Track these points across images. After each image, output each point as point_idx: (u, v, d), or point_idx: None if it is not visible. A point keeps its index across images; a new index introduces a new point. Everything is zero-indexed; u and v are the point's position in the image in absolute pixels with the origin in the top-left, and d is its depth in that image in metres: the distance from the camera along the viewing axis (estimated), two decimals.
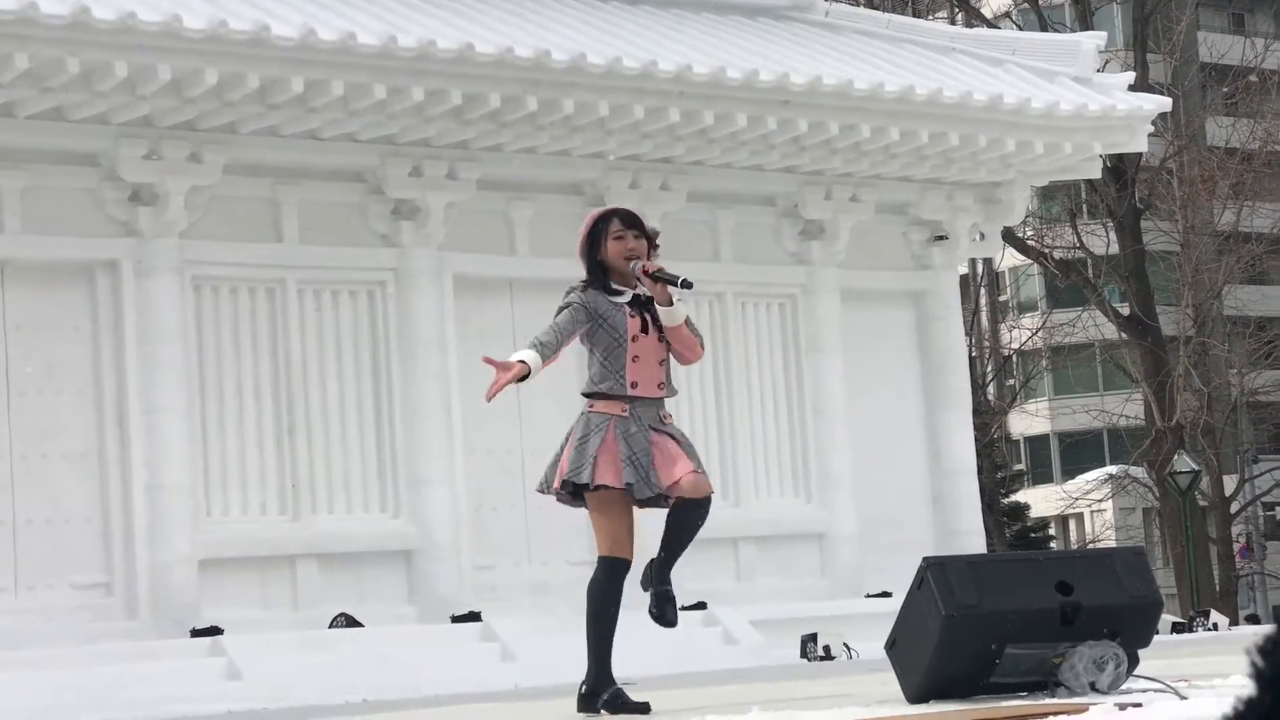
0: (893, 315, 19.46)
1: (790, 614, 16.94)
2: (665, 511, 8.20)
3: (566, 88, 15.95)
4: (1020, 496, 45.69)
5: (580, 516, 18.39)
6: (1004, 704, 6.91)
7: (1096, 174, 20.88)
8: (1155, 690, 6.91)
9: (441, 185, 16.60)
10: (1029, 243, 38.62)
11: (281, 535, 15.84)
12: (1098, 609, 7.33)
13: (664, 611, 8.08)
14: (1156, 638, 8.03)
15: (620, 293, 8.07)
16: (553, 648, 15.34)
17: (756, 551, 17.90)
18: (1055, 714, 6.17)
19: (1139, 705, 6.26)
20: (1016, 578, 7.43)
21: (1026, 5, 38.32)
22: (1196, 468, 33.83)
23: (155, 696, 13.48)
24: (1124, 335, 37.48)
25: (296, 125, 15.61)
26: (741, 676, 12.26)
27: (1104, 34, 21.06)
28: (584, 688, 8.06)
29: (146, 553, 15.16)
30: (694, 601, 16.81)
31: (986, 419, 37.77)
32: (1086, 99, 18.86)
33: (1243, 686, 1.50)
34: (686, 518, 8.09)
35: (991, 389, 42.24)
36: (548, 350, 7.91)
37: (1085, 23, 35.94)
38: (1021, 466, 53.92)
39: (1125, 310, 36.50)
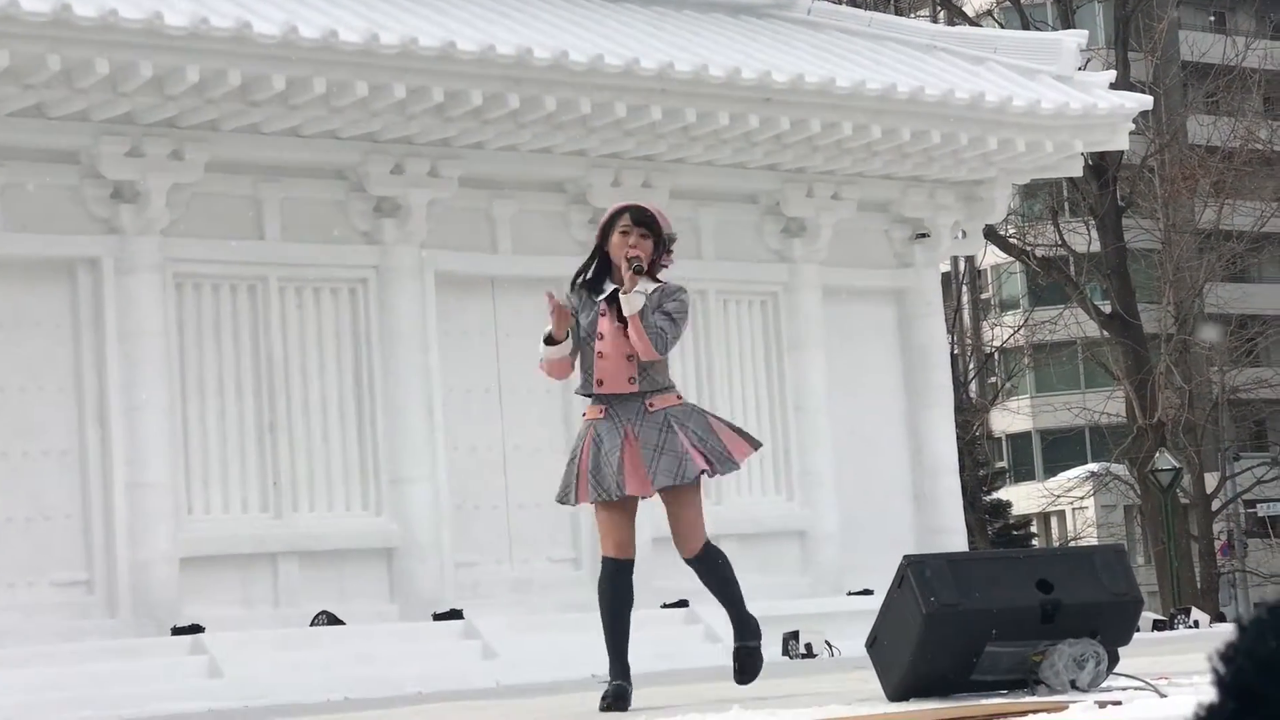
0: (874, 313, 19.48)
1: (772, 611, 16.88)
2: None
3: (548, 85, 15.95)
4: (1002, 494, 45.74)
5: (561, 514, 18.46)
6: (984, 702, 6.92)
7: (1078, 172, 20.91)
8: (1135, 688, 6.92)
9: (423, 183, 16.59)
10: (1011, 240, 38.68)
11: (263, 533, 15.82)
12: (1078, 607, 7.34)
13: (740, 666, 8.20)
14: (1137, 635, 8.04)
15: (604, 290, 8.04)
16: (534, 645, 15.36)
17: (738, 549, 17.86)
18: (1035, 712, 6.18)
19: (1119, 703, 6.27)
20: (997, 576, 7.44)
21: (1008, 3, 38.39)
22: (1178, 465, 33.89)
23: (136, 695, 13.45)
24: (1105, 333, 37.55)
25: (278, 123, 15.60)
26: (723, 674, 12.26)
27: (1085, 32, 21.10)
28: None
29: (127, 550, 15.14)
30: (675, 599, 16.83)
31: (968, 416, 37.82)
32: (1068, 97, 18.89)
33: (1207, 691, 1.50)
34: (701, 577, 8.30)
35: (973, 387, 42.30)
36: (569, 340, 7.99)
37: (1067, 21, 36.00)
38: (1003, 464, 53.96)
39: (1107, 308, 36.57)
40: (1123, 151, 28.27)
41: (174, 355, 15.65)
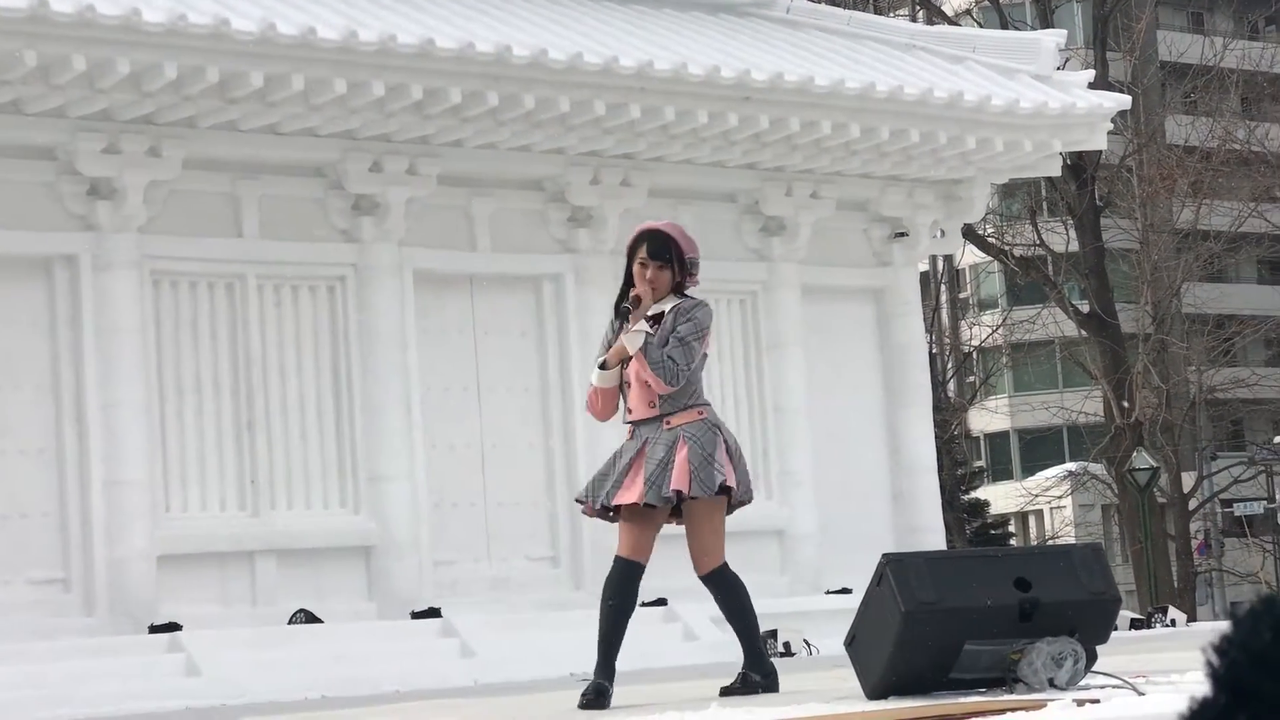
0: (853, 312, 19.49)
1: None
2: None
3: (527, 83, 15.93)
4: (980, 493, 45.81)
5: (540, 513, 18.45)
6: (962, 700, 6.92)
7: (1056, 171, 20.94)
8: (1113, 686, 6.92)
9: (402, 180, 16.56)
10: (989, 240, 38.74)
11: (240, 531, 15.79)
12: (1056, 605, 7.34)
13: (736, 686, 8.27)
14: (1115, 634, 8.05)
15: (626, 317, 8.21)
16: (512, 644, 15.34)
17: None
18: (1013, 710, 6.18)
19: (1096, 701, 6.28)
20: (975, 574, 7.45)
21: (987, 3, 38.44)
22: (1155, 465, 33.96)
23: (113, 693, 13.42)
24: (1083, 332, 37.62)
25: (256, 120, 15.56)
26: (701, 673, 12.26)
27: (1064, 32, 21.12)
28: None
29: (104, 548, 15.10)
30: (654, 598, 16.82)
31: (946, 416, 37.86)
32: (1047, 97, 18.92)
33: (1199, 684, 1.50)
34: (715, 600, 8.40)
35: (952, 386, 42.36)
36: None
37: (1045, 21, 36.05)
38: (981, 463, 54.07)
39: (1085, 307, 36.63)
40: (1101, 151, 28.31)
41: (151, 353, 15.60)
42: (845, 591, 17.37)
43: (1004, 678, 7.16)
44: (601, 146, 17.18)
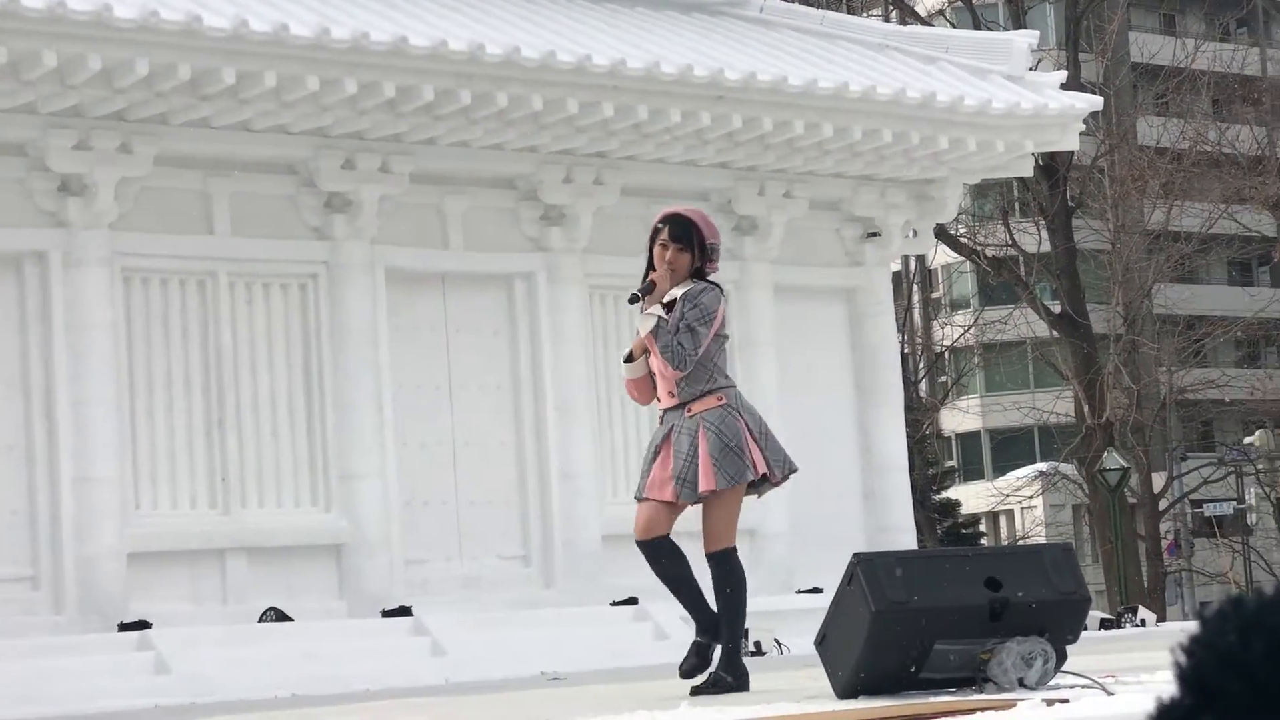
0: (825, 311, 19.51)
1: None
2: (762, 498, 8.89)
3: (500, 81, 15.92)
4: (951, 493, 45.90)
5: (511, 511, 18.44)
6: (932, 699, 6.93)
7: (1028, 172, 20.99)
8: (1082, 686, 6.94)
9: (374, 178, 16.54)
10: (961, 240, 38.81)
11: (211, 529, 15.75)
12: (1026, 605, 7.36)
13: (696, 668, 8.43)
14: (1085, 634, 8.07)
15: (663, 304, 8.29)
16: (483, 643, 15.33)
17: (688, 547, 17.84)
18: (983, 710, 6.19)
19: (1066, 701, 6.29)
20: (946, 574, 7.46)
21: (960, 3, 38.50)
22: (1126, 465, 34.06)
23: (82, 691, 13.37)
24: (1055, 333, 37.71)
25: (228, 117, 15.52)
26: (672, 671, 12.26)
27: (1036, 33, 21.17)
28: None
29: (74, 546, 15.05)
30: (625, 597, 16.83)
31: (918, 415, 37.94)
32: (1019, 97, 18.96)
33: (1167, 684, 1.50)
34: (713, 582, 8.58)
35: (923, 386, 42.44)
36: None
37: (1018, 21, 36.13)
38: (953, 463, 54.16)
39: (1056, 308, 36.73)
40: (1073, 152, 28.40)
41: (122, 350, 15.56)
42: (816, 591, 17.39)
43: (974, 677, 7.17)
44: (574, 145, 17.17)
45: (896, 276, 35.07)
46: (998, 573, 7.45)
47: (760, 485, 8.44)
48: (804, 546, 18.50)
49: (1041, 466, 47.33)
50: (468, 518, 17.13)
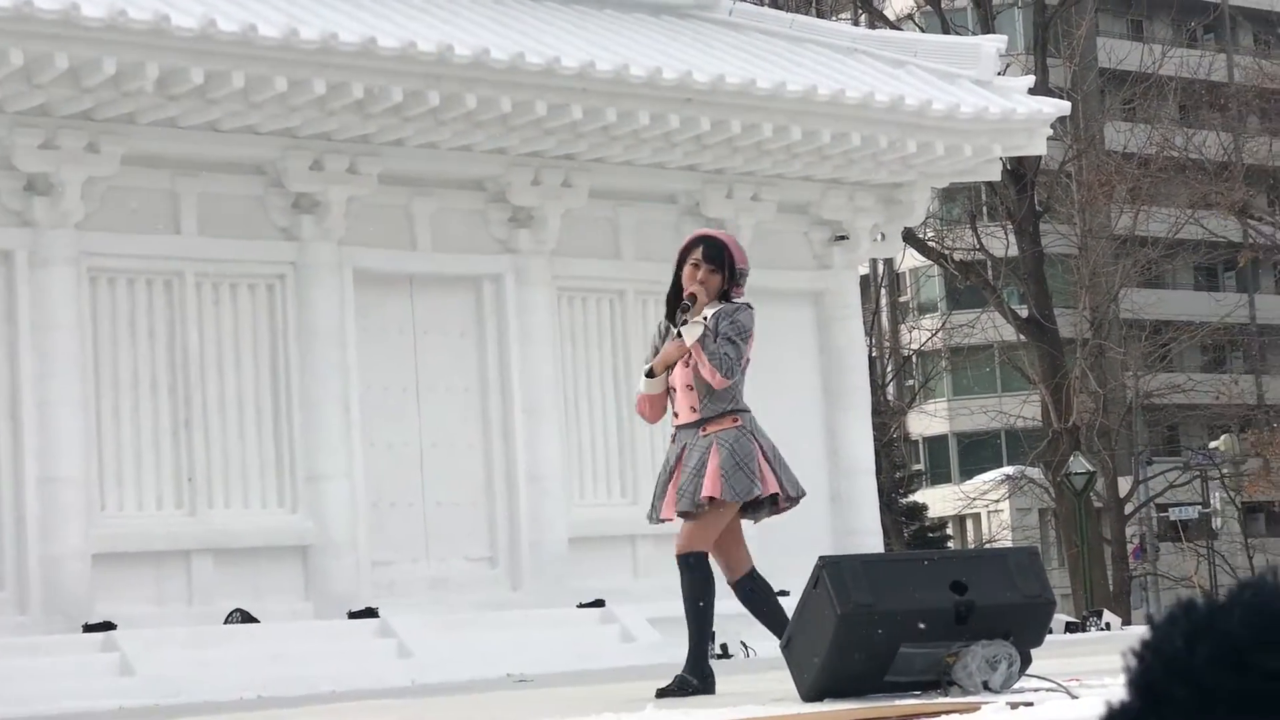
0: (793, 314, 19.52)
1: None
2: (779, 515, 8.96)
3: (469, 83, 15.90)
4: (918, 496, 45.98)
5: (478, 513, 18.40)
6: (898, 703, 6.94)
7: (996, 176, 21.04)
8: (1047, 689, 6.96)
9: (342, 179, 16.51)
10: (929, 244, 38.89)
11: (177, 530, 15.71)
12: (991, 608, 7.38)
13: (669, 689, 8.38)
14: (1049, 637, 8.09)
15: (685, 322, 8.35)
16: (450, 644, 15.31)
17: (654, 549, 17.91)
18: (948, 713, 6.21)
19: (1030, 704, 6.31)
20: (911, 577, 7.48)
21: (929, 8, 38.58)
22: (1092, 469, 34.15)
23: (46, 692, 13.32)
24: (1022, 337, 37.80)
25: (196, 117, 15.48)
26: (638, 674, 12.26)
27: (1005, 38, 21.22)
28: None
29: (39, 546, 14.99)
30: (592, 599, 16.83)
31: (885, 419, 37.99)
32: (987, 101, 19.00)
33: (1118, 692, 1.52)
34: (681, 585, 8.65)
35: (891, 389, 42.51)
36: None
37: (986, 26, 36.21)
38: (920, 466, 54.26)
39: (1024, 312, 36.81)
40: (1041, 156, 28.47)
41: (88, 350, 15.51)
42: (782, 594, 17.34)
43: (939, 680, 7.19)
44: (543, 147, 17.17)
45: (864, 280, 35.12)
46: (963, 576, 7.47)
47: (759, 509, 8.54)
48: (770, 549, 18.48)
49: (1008, 470, 47.42)
50: (435, 519, 17.11)
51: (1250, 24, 58.40)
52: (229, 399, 16.14)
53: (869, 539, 19.21)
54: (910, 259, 42.61)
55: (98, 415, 15.54)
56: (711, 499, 8.24)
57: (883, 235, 20.41)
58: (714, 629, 15.85)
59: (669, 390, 8.53)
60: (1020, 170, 34.91)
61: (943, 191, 26.90)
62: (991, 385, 55.44)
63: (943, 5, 37.08)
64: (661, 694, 8.31)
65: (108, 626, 14.64)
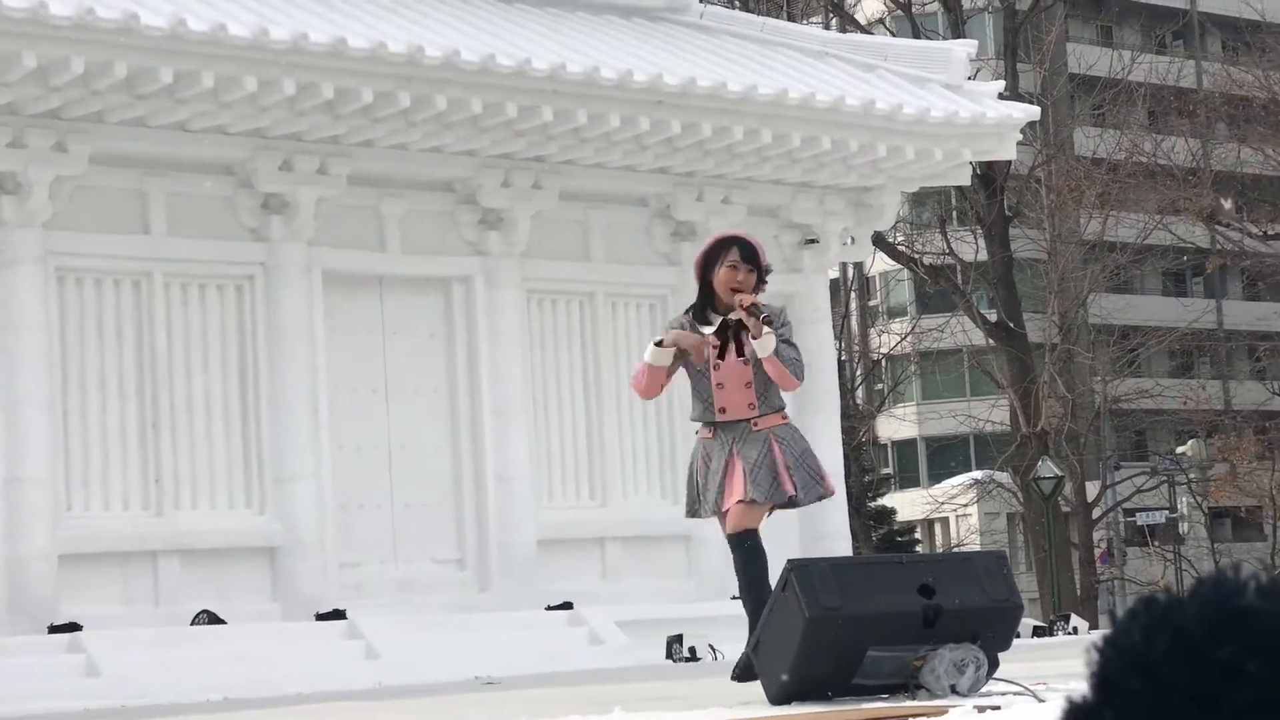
0: None
1: (656, 615, 16.96)
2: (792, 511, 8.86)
3: (439, 84, 15.88)
4: (887, 500, 46.02)
5: (446, 514, 18.36)
6: (865, 706, 6.94)
7: (966, 181, 21.09)
8: (1014, 693, 6.97)
9: (312, 180, 16.47)
10: (899, 248, 38.94)
11: (144, 531, 15.65)
12: (959, 612, 7.38)
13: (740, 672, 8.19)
14: (1017, 641, 8.10)
15: (711, 321, 8.27)
16: (417, 646, 15.28)
17: (623, 551, 17.92)
18: (915, 716, 6.21)
19: (998, 708, 6.32)
20: (879, 581, 7.48)
21: (900, 12, 38.64)
22: (1060, 474, 34.24)
23: (11, 693, 13.26)
24: (991, 341, 37.87)
25: (165, 116, 15.44)
26: (606, 676, 12.26)
27: (975, 42, 21.26)
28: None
29: (5, 547, 14.92)
30: (560, 601, 16.81)
31: (854, 423, 38.03)
32: (957, 106, 19.03)
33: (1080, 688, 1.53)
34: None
35: (860, 393, 42.54)
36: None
37: (957, 31, 36.28)
38: (888, 470, 54.32)
39: (993, 317, 36.89)
40: (1010, 161, 28.52)
41: (55, 350, 15.44)
42: None
43: (907, 684, 7.19)
44: (513, 149, 17.15)
45: (834, 284, 35.16)
46: (931, 580, 7.48)
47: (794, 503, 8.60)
48: None
49: (976, 474, 47.52)
50: (403, 521, 17.08)
51: (1219, 31, 58.63)
52: (197, 400, 16.09)
53: (837, 543, 19.23)
54: (880, 263, 42.66)
55: (65, 415, 15.48)
56: (792, 498, 8.25)
57: (852, 239, 20.43)
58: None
59: (715, 385, 8.34)
60: (990, 175, 34.98)
61: (912, 196, 26.97)
62: (960, 389, 55.54)
63: (913, 10, 37.15)
64: (738, 678, 8.15)
65: (74, 627, 14.59)
